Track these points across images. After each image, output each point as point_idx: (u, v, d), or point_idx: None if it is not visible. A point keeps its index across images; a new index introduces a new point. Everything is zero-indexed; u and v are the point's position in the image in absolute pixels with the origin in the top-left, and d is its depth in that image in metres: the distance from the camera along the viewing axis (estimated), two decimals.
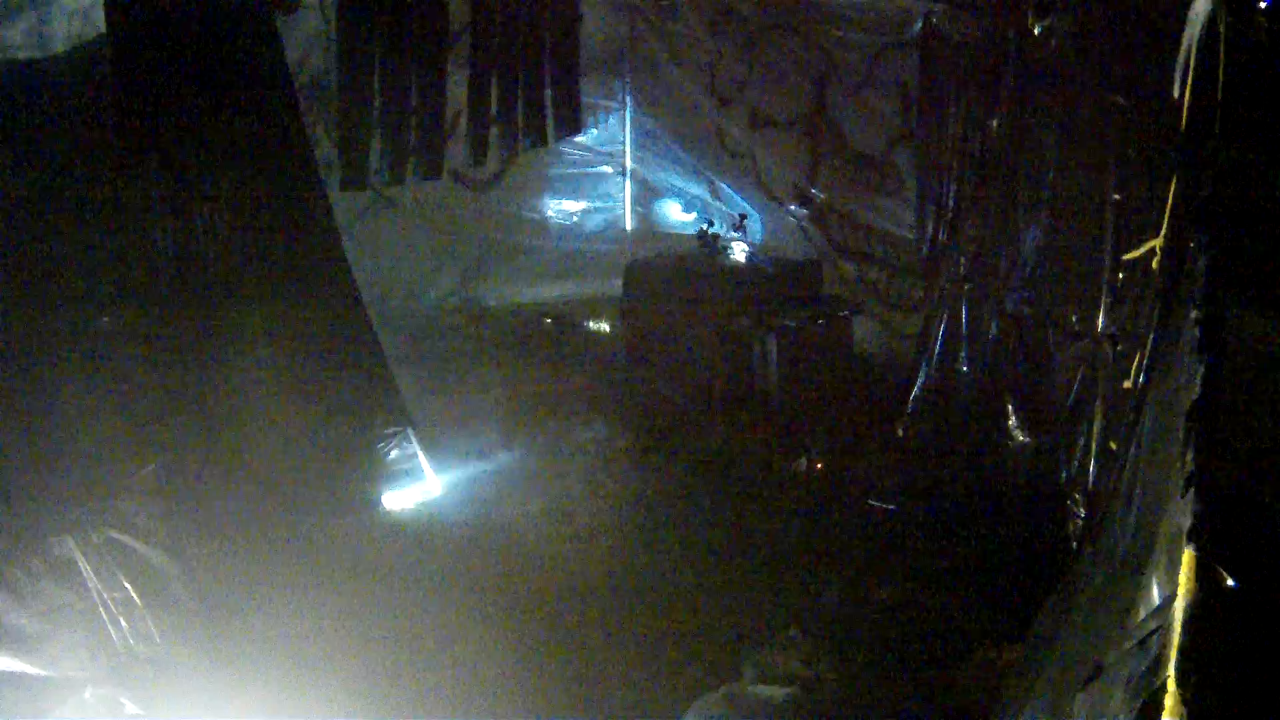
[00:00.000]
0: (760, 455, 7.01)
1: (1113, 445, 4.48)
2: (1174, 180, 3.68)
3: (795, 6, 8.51)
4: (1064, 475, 5.45)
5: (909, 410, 6.51)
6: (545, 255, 9.97)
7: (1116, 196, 5.21)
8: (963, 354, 6.21)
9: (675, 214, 10.00)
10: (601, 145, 10.00)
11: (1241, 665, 1.62)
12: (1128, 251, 4.77)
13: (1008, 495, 5.94)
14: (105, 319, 4.84)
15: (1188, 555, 1.67)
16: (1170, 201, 3.66)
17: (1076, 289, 5.60)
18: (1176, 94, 3.72)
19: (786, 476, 6.79)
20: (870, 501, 6.37)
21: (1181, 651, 1.56)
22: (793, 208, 9.08)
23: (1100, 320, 5.24)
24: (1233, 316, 2.35)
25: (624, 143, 10.06)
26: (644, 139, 9.98)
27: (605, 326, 9.25)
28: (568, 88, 7.84)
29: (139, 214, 4.95)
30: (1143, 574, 2.04)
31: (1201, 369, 2.11)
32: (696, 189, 9.77)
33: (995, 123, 6.08)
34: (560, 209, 10.04)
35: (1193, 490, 1.81)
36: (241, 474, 5.29)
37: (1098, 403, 5.13)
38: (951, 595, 5.32)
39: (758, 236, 8.94)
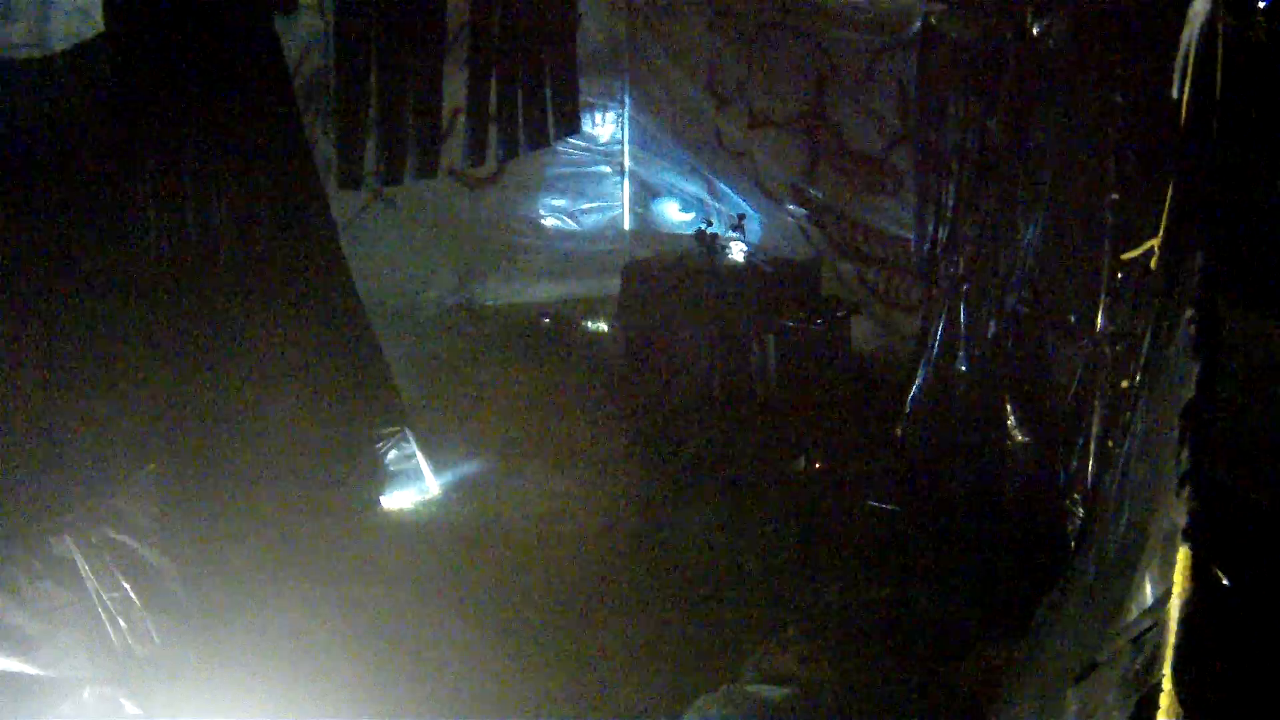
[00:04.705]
0: (759, 455, 7.02)
1: (1111, 445, 4.48)
2: (1172, 180, 3.69)
3: (794, 6, 8.51)
4: (1063, 475, 5.45)
5: (908, 410, 6.50)
6: (544, 255, 9.97)
7: (1115, 196, 5.21)
8: (961, 354, 6.20)
9: (673, 214, 10.00)
10: (600, 145, 10.00)
11: (1237, 663, 1.62)
12: (1127, 251, 4.78)
13: (1006, 495, 5.94)
14: (104, 319, 4.84)
15: (1183, 553, 1.67)
16: (1169, 201, 3.67)
17: (1075, 289, 5.59)
18: (1175, 94, 3.72)
19: (785, 476, 6.79)
20: (869, 501, 6.37)
21: (1177, 649, 1.56)
22: (791, 207, 9.07)
23: (1099, 320, 5.24)
24: (1228, 316, 2.35)
25: (622, 142, 10.07)
26: (642, 139, 9.98)
27: (604, 326, 9.25)
28: (567, 87, 7.84)
29: (138, 214, 4.95)
30: (1135, 572, 2.05)
31: (1197, 368, 2.12)
32: (695, 189, 9.76)
33: (994, 123, 6.07)
34: (559, 208, 10.04)
35: (1188, 489, 1.81)
36: (240, 474, 5.29)
37: (1097, 402, 5.13)
38: (950, 595, 5.32)
39: (756, 236, 8.94)
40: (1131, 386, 3.83)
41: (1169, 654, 1.58)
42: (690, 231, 8.76)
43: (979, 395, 6.12)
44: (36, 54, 5.39)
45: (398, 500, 6.21)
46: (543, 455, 6.97)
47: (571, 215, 10.09)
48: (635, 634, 5.11)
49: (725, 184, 9.48)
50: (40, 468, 4.48)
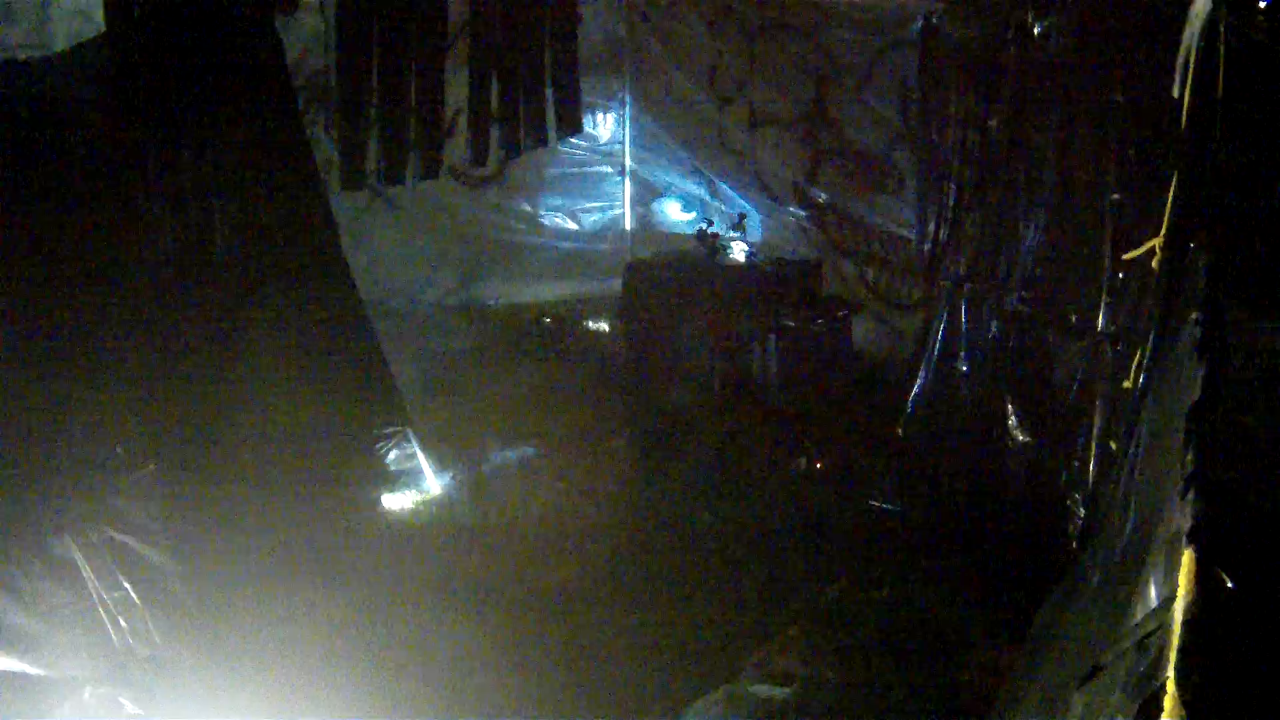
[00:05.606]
0: (760, 455, 7.01)
1: (1112, 445, 4.48)
2: (1174, 180, 3.68)
3: (795, 6, 8.50)
4: (1064, 475, 5.45)
5: (908, 410, 6.49)
6: (545, 255, 9.96)
7: (1116, 196, 5.21)
8: (962, 353, 6.20)
9: (675, 213, 9.99)
10: (601, 145, 9.99)
11: (1241, 667, 1.61)
12: (1128, 251, 4.77)
13: (1007, 495, 5.94)
14: (105, 319, 4.84)
15: (1187, 556, 1.67)
16: (1170, 201, 3.66)
17: (1076, 288, 5.59)
18: (1176, 93, 3.72)
19: (786, 476, 6.79)
20: (870, 501, 6.37)
21: (1181, 653, 1.56)
22: (792, 207, 9.07)
23: (1100, 320, 5.24)
24: (1233, 317, 2.35)
25: (623, 142, 10.06)
26: (643, 138, 9.97)
27: (605, 326, 9.24)
28: (568, 87, 7.84)
29: (138, 214, 4.95)
30: (1140, 574, 2.04)
31: (1202, 370, 2.11)
32: (696, 188, 9.76)
33: (995, 122, 6.07)
34: (559, 208, 10.03)
35: (1192, 491, 1.81)
36: (241, 474, 5.28)
37: (1098, 402, 5.13)
38: (951, 595, 5.32)
39: (757, 236, 8.94)
40: (1133, 387, 3.82)
41: (1172, 657, 1.57)
42: (691, 231, 8.76)
43: (980, 395, 6.11)
44: (37, 55, 5.39)
45: (398, 500, 6.21)
46: (543, 455, 6.97)
47: (572, 215, 10.08)
48: (635, 634, 5.10)
49: (726, 183, 9.48)
50: (40, 468, 4.47)
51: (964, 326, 6.18)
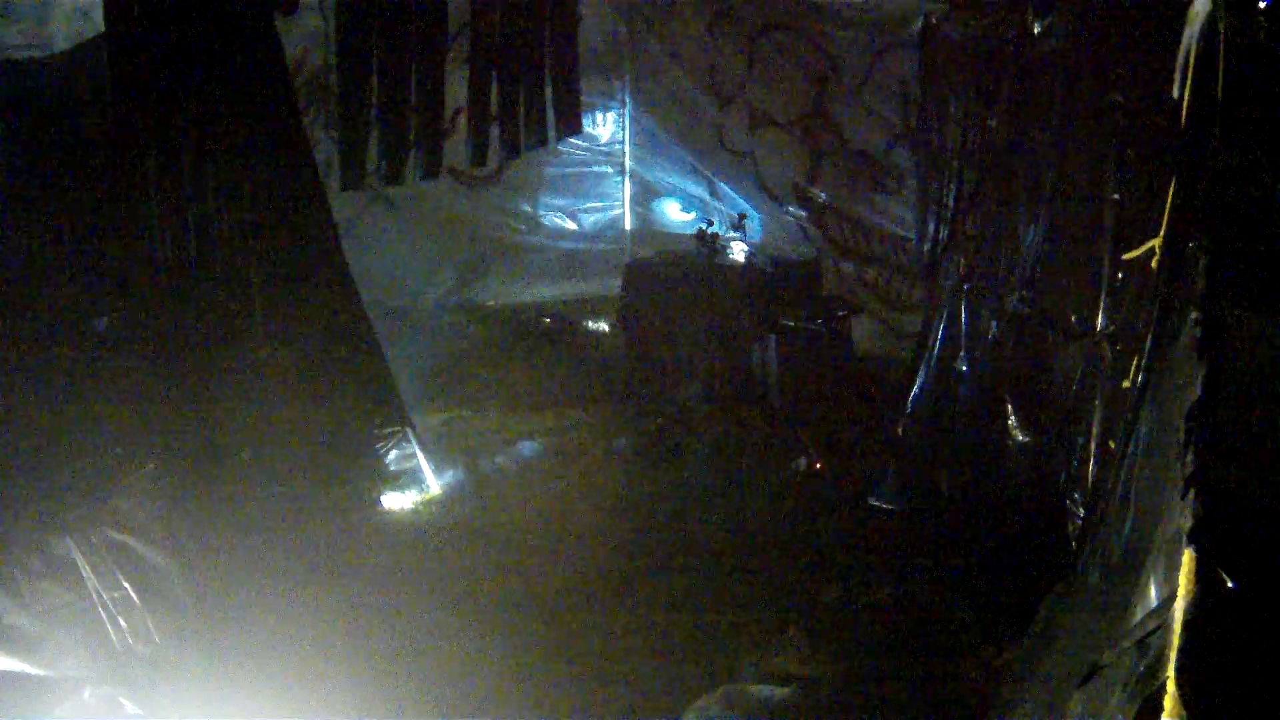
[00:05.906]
0: (760, 455, 7.02)
1: (1112, 445, 4.48)
2: (1173, 180, 3.68)
3: (795, 6, 8.51)
4: (1063, 475, 5.45)
5: (908, 410, 6.49)
6: (544, 255, 9.96)
7: (1116, 196, 5.21)
8: (962, 354, 6.20)
9: (674, 213, 9.99)
10: (600, 145, 9.98)
11: (1241, 666, 1.62)
12: (1127, 251, 4.77)
13: (1007, 495, 5.94)
14: (104, 319, 4.85)
15: (1188, 556, 1.67)
16: (1170, 201, 3.66)
17: (1076, 289, 5.59)
18: (1176, 93, 3.72)
19: (786, 476, 6.79)
20: (870, 501, 6.37)
21: (1181, 652, 1.56)
22: (792, 207, 9.08)
23: (1100, 320, 5.24)
24: (1233, 317, 2.35)
25: (623, 142, 10.05)
26: (643, 138, 9.96)
27: (605, 326, 9.25)
28: (568, 87, 7.84)
29: (138, 214, 4.95)
30: (1140, 574, 2.04)
31: (1202, 370, 2.11)
32: (696, 189, 9.76)
33: (995, 122, 6.07)
34: (559, 208, 10.03)
35: (1193, 491, 1.81)
36: (241, 474, 5.29)
37: (1097, 402, 5.12)
38: (951, 595, 5.32)
39: (757, 236, 8.94)
40: (1132, 387, 3.82)
41: (1173, 656, 1.57)
42: (691, 231, 8.75)
43: (979, 395, 6.12)
44: (37, 54, 5.39)
45: (398, 500, 6.21)
46: (543, 455, 6.97)
47: (572, 215, 10.08)
48: (635, 634, 5.10)
49: (726, 184, 9.48)
50: (40, 468, 4.47)
51: (963, 327, 6.18)
